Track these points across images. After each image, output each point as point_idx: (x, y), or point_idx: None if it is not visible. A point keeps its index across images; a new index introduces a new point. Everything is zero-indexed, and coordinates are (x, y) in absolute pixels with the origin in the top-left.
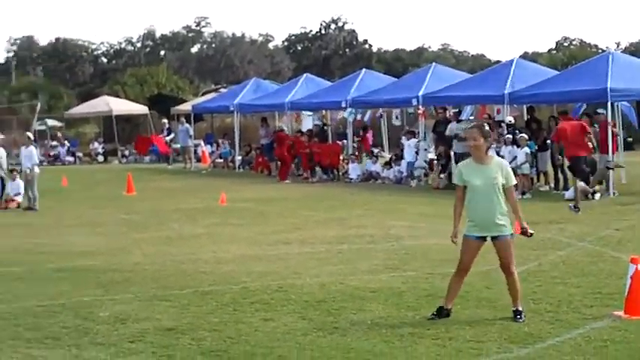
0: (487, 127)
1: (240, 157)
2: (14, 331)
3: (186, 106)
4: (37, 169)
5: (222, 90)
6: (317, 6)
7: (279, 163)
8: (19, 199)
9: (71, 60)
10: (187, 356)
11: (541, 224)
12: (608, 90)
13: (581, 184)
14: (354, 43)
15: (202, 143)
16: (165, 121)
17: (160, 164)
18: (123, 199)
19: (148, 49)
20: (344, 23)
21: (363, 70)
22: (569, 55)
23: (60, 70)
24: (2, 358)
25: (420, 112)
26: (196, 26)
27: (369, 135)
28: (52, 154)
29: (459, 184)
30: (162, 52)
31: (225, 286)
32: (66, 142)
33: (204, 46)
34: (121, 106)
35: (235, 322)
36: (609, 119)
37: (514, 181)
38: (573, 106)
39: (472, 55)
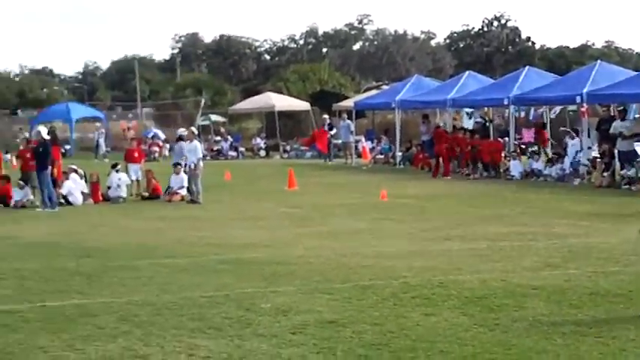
0: None
1: (400, 154)
2: (178, 321)
3: (348, 103)
4: (201, 164)
5: (384, 87)
6: (479, 3)
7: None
8: (183, 192)
9: (235, 57)
10: (348, 349)
11: None
12: None
13: None
14: (517, 40)
15: (363, 139)
16: (326, 116)
17: (319, 160)
18: (285, 194)
19: (310, 47)
20: (507, 20)
21: (527, 67)
22: None
23: (224, 66)
24: (166, 347)
25: (583, 109)
26: (358, 24)
27: (544, 132)
28: (215, 148)
29: None
30: (324, 50)
31: (386, 281)
32: (229, 137)
33: (366, 44)
34: (283, 102)
35: (396, 316)
36: None
37: None
38: None
39: (637, 53)
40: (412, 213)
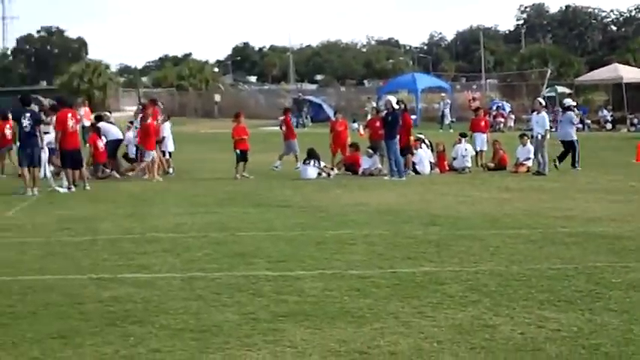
0: None
1: None
2: (527, 293)
3: None
4: (548, 135)
5: None
6: None
7: None
8: (529, 163)
9: (580, 28)
10: None
11: None
12: None
13: None
14: None
15: None
16: None
17: None
18: (633, 167)
19: None
20: None
21: None
22: None
23: (569, 37)
24: (515, 318)
25: None
26: None
27: None
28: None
29: None
30: None
31: None
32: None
33: None
34: (631, 73)
35: None
36: None
37: None
38: None
39: None
40: None
